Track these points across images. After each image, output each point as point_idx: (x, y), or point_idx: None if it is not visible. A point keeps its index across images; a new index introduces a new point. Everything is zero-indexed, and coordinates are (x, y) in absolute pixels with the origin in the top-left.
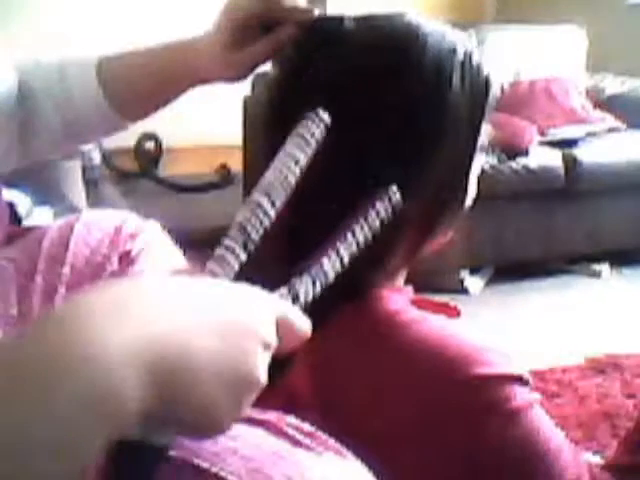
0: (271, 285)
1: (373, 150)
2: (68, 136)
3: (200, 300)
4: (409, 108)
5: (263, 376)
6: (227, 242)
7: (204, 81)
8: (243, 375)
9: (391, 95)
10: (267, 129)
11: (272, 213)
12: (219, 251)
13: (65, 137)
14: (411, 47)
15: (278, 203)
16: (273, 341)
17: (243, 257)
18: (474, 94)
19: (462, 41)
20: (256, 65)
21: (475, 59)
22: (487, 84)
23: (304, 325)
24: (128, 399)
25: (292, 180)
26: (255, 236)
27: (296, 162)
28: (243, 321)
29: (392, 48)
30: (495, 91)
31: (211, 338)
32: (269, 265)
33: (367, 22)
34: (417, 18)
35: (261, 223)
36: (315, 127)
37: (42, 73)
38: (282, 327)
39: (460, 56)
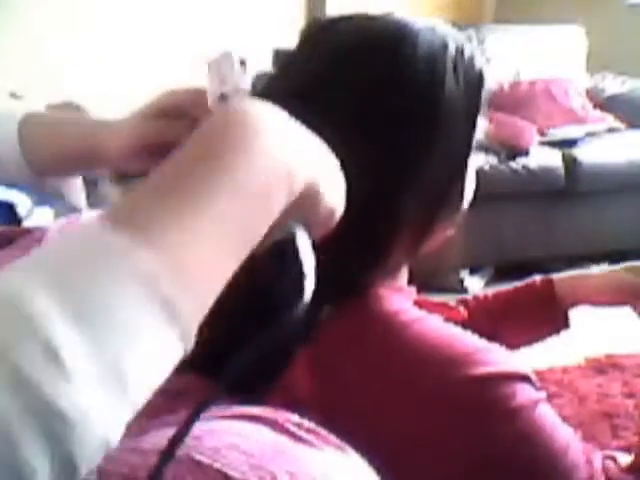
0: None
1: (368, 148)
2: None
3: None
4: (404, 105)
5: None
6: None
7: (111, 164)
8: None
9: (385, 94)
10: None
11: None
12: None
13: None
14: (403, 45)
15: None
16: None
17: None
18: (468, 87)
19: (453, 35)
20: (144, 143)
21: (467, 52)
22: (481, 77)
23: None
24: (296, 186)
25: None
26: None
27: None
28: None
29: (384, 47)
30: (490, 84)
31: (327, 166)
32: None
33: (357, 22)
34: (405, 16)
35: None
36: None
37: None
38: None
39: (452, 50)
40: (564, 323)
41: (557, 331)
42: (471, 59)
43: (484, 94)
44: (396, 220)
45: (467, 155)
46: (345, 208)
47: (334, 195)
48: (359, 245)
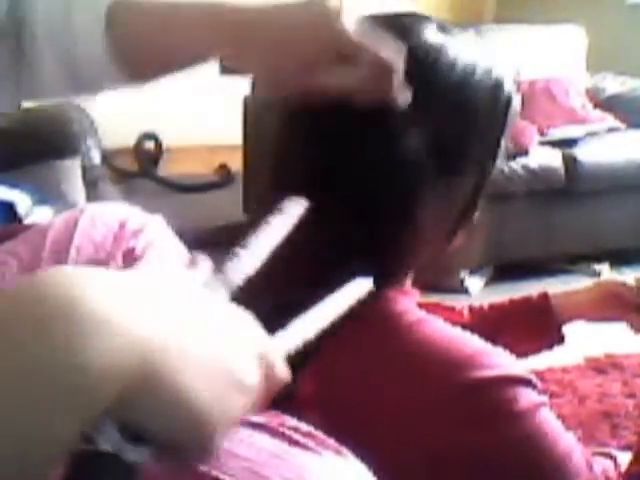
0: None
1: (407, 173)
2: (69, 78)
3: (197, 312)
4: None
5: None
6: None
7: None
8: (235, 378)
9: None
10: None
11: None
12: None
13: (66, 81)
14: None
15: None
16: (252, 380)
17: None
18: (497, 111)
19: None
20: None
21: (496, 75)
22: (508, 102)
23: (283, 372)
24: (101, 400)
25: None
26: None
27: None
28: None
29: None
30: (515, 108)
31: (201, 348)
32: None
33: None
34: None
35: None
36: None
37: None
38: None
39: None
40: (558, 338)
41: (551, 345)
42: (500, 82)
43: (510, 118)
44: (420, 237)
45: (488, 177)
46: (371, 225)
47: (185, 386)
48: (382, 256)
